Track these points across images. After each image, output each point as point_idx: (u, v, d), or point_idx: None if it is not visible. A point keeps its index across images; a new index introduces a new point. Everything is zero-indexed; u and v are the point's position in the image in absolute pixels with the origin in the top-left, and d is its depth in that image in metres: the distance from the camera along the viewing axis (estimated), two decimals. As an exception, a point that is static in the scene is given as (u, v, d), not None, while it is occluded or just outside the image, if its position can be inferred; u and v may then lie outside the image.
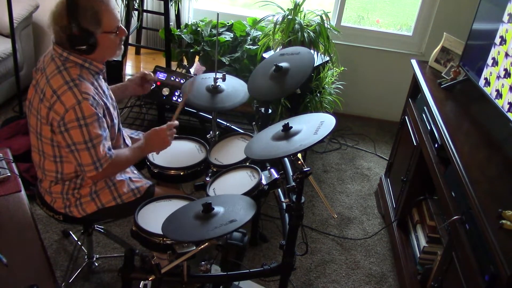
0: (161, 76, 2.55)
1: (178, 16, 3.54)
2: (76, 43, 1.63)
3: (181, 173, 1.94)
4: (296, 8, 2.90)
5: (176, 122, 1.89)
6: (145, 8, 3.46)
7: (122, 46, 1.80)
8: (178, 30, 3.34)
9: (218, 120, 2.28)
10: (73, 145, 1.65)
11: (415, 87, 2.60)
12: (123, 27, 1.74)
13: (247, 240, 1.83)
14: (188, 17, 3.66)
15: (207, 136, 2.18)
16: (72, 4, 1.59)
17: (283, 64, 2.03)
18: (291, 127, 1.63)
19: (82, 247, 2.32)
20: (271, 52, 2.91)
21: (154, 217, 1.69)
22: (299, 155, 1.57)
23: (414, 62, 2.70)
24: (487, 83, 2.07)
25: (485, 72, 2.10)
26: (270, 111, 2.32)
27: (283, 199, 1.93)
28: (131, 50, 3.72)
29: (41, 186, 1.87)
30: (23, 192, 1.77)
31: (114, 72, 3.14)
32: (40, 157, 1.78)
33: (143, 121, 3.42)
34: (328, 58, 2.94)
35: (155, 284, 1.55)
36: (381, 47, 3.63)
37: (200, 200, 1.60)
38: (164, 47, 3.19)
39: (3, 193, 1.74)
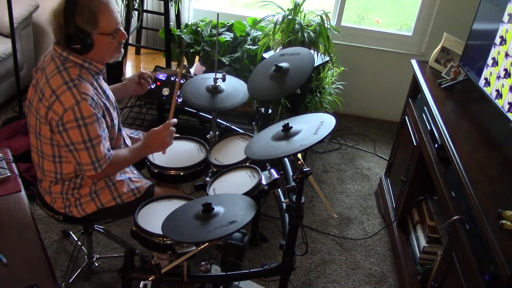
0: (161, 76, 2.55)
1: (178, 16, 3.54)
2: (71, 41, 1.63)
3: (181, 173, 1.94)
4: (296, 8, 2.90)
5: (174, 120, 1.87)
6: (145, 8, 3.46)
7: (122, 50, 1.79)
8: (178, 30, 3.34)
9: (218, 120, 2.29)
10: (72, 145, 1.65)
11: (415, 87, 2.60)
12: (123, 31, 1.73)
13: (247, 240, 1.83)
14: (188, 17, 3.66)
15: (207, 136, 2.18)
16: (70, 3, 1.59)
17: (283, 64, 2.03)
18: (291, 127, 1.63)
19: (82, 247, 2.32)
20: (271, 52, 2.91)
21: (154, 217, 1.69)
22: (299, 155, 1.57)
23: (414, 62, 2.70)
24: (487, 83, 2.07)
25: (485, 72, 2.10)
26: (270, 111, 2.32)
27: (283, 199, 1.93)
28: (131, 50, 3.72)
29: (41, 186, 1.87)
30: (23, 192, 1.77)
31: (114, 72, 3.14)
32: (39, 157, 1.78)
33: (143, 121, 3.42)
34: (328, 58, 2.94)
35: (155, 284, 1.55)
36: (381, 47, 3.63)
37: (200, 199, 1.60)
38: (164, 47, 3.19)
39: (3, 193, 1.74)
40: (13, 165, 1.90)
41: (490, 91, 2.04)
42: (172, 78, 2.62)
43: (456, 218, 1.75)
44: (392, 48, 3.64)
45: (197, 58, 3.22)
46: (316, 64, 2.81)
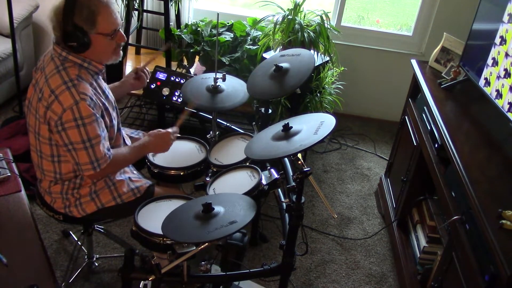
0: (161, 76, 2.55)
1: (178, 16, 3.54)
2: (68, 39, 1.63)
3: (181, 173, 1.95)
4: (296, 8, 2.90)
5: (177, 130, 1.93)
6: (145, 8, 3.46)
7: (121, 52, 1.79)
8: (178, 30, 3.33)
9: (218, 120, 2.28)
10: (70, 145, 1.65)
11: (415, 87, 2.60)
12: (122, 33, 1.73)
13: (247, 240, 1.83)
14: (188, 17, 3.66)
15: (207, 136, 2.18)
16: (71, 1, 1.59)
17: (284, 65, 2.03)
18: (291, 127, 1.63)
19: (82, 247, 2.32)
20: (271, 52, 2.91)
21: (154, 217, 1.69)
22: (299, 155, 1.57)
23: (414, 62, 2.70)
24: (487, 83, 2.07)
25: (485, 72, 2.10)
26: (270, 111, 2.32)
27: (283, 199, 1.93)
28: (131, 50, 3.72)
29: (40, 186, 1.87)
30: (23, 192, 1.77)
31: (114, 72, 3.14)
32: (38, 157, 1.78)
33: (143, 121, 3.43)
34: (328, 58, 2.93)
35: (155, 284, 1.55)
36: (381, 47, 3.63)
37: (200, 199, 1.60)
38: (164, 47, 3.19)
39: (3, 193, 1.74)
40: (13, 165, 1.90)
41: (490, 91, 2.04)
42: (172, 78, 2.61)
43: (456, 218, 1.75)
44: (392, 48, 3.64)
45: (197, 58, 3.22)
46: (316, 64, 2.81)
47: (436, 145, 2.12)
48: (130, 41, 3.51)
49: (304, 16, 2.94)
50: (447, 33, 2.61)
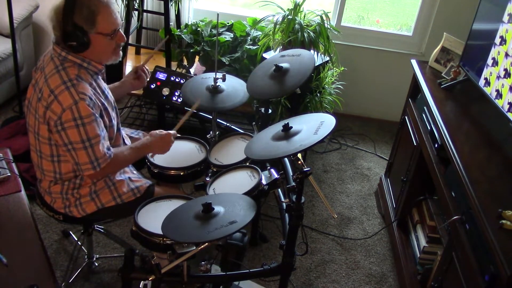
0: (161, 76, 2.55)
1: (178, 16, 3.54)
2: (68, 38, 1.63)
3: (181, 173, 1.95)
4: (296, 8, 2.90)
5: (175, 132, 1.93)
6: (145, 8, 3.45)
7: (121, 53, 1.79)
8: (178, 30, 3.33)
9: (218, 120, 2.29)
10: (70, 144, 1.65)
11: (415, 87, 2.60)
12: (122, 34, 1.73)
13: (247, 240, 1.83)
14: (188, 17, 3.66)
15: (207, 136, 2.18)
16: (70, 0, 1.59)
17: (284, 65, 2.03)
18: (291, 127, 1.63)
19: (82, 247, 2.32)
20: (271, 52, 2.91)
21: (154, 217, 1.69)
22: (299, 155, 1.57)
23: (414, 62, 2.70)
24: (487, 83, 2.07)
25: (485, 72, 2.10)
26: (270, 111, 2.32)
27: (283, 199, 1.93)
28: (131, 50, 3.72)
29: (40, 186, 1.87)
30: (23, 192, 1.77)
31: (114, 72, 3.14)
32: (38, 157, 1.78)
33: (143, 121, 3.43)
34: (328, 58, 2.94)
35: (155, 284, 1.55)
36: (381, 47, 3.63)
37: (200, 199, 1.60)
38: (164, 47, 3.19)
39: (3, 193, 1.74)
40: (13, 165, 1.90)
41: (490, 91, 2.04)
42: (172, 78, 2.61)
43: (456, 218, 1.75)
44: (392, 48, 3.64)
45: (197, 58, 3.22)
46: (316, 64, 2.81)
47: (436, 145, 2.12)
48: (130, 41, 3.51)
49: (304, 16, 2.94)
50: (447, 33, 2.61)
